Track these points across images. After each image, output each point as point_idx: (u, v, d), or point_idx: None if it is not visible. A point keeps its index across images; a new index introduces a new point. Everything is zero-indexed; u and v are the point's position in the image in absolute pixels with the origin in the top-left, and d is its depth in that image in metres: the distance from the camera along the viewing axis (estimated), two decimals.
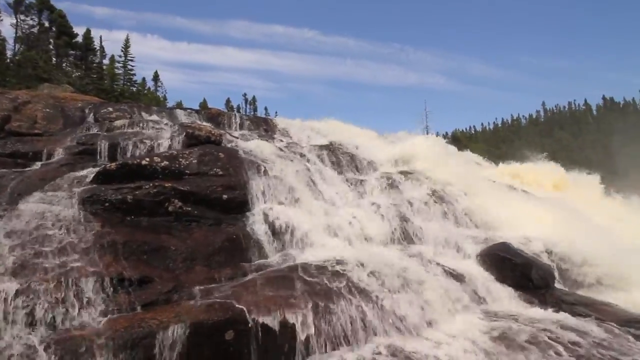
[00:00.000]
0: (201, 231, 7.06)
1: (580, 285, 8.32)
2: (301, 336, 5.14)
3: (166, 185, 7.36)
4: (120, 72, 37.91)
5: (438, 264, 7.27)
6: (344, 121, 16.04)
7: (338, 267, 6.29)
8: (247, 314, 5.11)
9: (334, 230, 7.72)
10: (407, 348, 5.24)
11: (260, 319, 5.09)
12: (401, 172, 10.96)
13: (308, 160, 10.08)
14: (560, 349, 5.37)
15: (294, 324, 5.19)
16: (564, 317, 6.57)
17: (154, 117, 11.60)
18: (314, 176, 9.33)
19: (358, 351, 5.17)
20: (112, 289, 5.35)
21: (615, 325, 6.46)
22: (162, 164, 7.74)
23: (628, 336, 6.11)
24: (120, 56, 38.66)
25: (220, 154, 8.56)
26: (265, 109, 64.64)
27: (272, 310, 5.22)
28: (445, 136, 55.83)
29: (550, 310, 6.91)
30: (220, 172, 8.04)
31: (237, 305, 5.20)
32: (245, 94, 63.78)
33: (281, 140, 12.03)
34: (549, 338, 5.58)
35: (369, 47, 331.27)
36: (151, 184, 7.30)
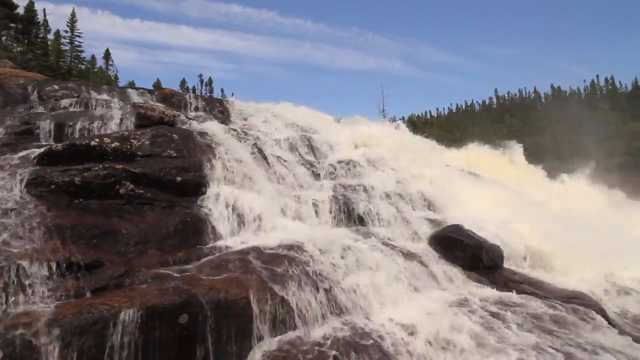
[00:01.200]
0: (154, 214, 6.89)
1: (527, 265, 8.73)
2: (257, 318, 5.15)
3: (117, 167, 7.11)
4: (67, 48, 36.03)
5: (392, 245, 7.42)
6: (302, 104, 16.01)
7: (294, 249, 6.30)
8: (201, 297, 5.05)
9: (290, 212, 7.73)
10: (362, 327, 5.35)
11: (215, 302, 5.04)
12: (357, 156, 11.06)
13: (264, 143, 9.98)
14: (507, 322, 5.64)
15: (249, 307, 5.17)
16: (511, 295, 6.89)
17: (104, 97, 11.10)
18: (270, 159, 9.26)
19: (314, 331, 5.23)
20: (59, 274, 5.14)
21: (556, 301, 6.85)
22: (113, 145, 7.45)
23: (567, 311, 6.49)
24: (66, 31, 36.72)
25: (174, 135, 8.33)
26: (222, 90, 63.30)
27: (227, 293, 5.18)
28: (401, 120, 56.69)
29: (499, 289, 7.22)
30: (174, 154, 7.84)
31: (191, 289, 5.13)
32: (200, 75, 62.37)
33: (237, 123, 11.84)
34: (497, 314, 5.84)
35: (327, 30, 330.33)
36: (101, 166, 7.02)
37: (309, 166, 9.90)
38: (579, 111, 58.14)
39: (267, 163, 9.20)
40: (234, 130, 10.11)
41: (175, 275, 5.53)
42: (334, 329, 5.30)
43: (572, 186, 20.07)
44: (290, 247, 6.35)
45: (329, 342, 5.01)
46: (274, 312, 5.26)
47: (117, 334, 4.56)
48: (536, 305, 6.44)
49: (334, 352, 4.81)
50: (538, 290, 7.35)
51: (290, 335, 5.17)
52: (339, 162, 10.50)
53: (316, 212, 8.08)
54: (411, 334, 5.25)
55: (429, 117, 71.85)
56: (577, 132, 49.50)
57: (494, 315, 5.86)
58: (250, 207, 7.26)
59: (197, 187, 7.61)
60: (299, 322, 5.33)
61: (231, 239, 6.81)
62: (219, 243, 6.70)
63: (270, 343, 5.09)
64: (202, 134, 9.01)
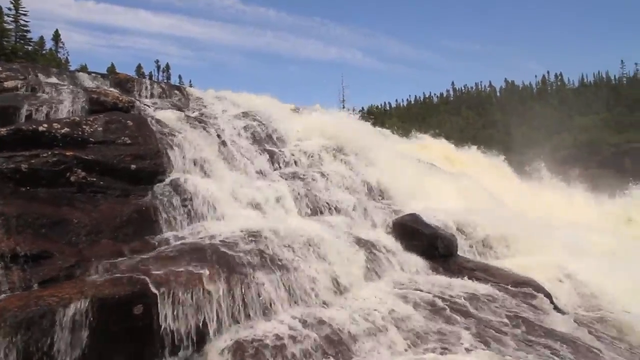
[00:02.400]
0: (107, 203, 6.67)
1: (480, 252, 9.04)
2: (214, 308, 5.09)
3: (67, 153, 6.81)
4: (11, 27, 34.00)
5: (351, 234, 7.50)
6: (262, 93, 15.90)
7: (252, 239, 6.25)
8: (156, 288, 4.94)
9: (248, 201, 7.65)
10: (321, 315, 5.40)
11: (171, 292, 4.95)
12: (316, 145, 11.07)
13: (223, 131, 9.82)
14: (457, 307, 5.84)
15: (206, 296, 5.11)
16: (464, 281, 7.12)
17: (54, 80, 10.59)
18: (229, 147, 9.13)
19: (273, 321, 5.23)
20: (3, 266, 4.90)
21: (506, 286, 7.15)
22: (63, 131, 7.13)
23: (516, 297, 6.79)
24: (10, 9, 34.65)
25: (129, 121, 8.06)
26: (180, 77, 61.45)
27: (183, 283, 5.09)
28: (361, 111, 57.14)
29: (452, 276, 7.45)
30: (129, 141, 7.59)
31: (146, 279, 5.00)
32: (157, 61, 60.10)
33: (195, 110, 11.59)
34: (448, 299, 6.04)
35: (289, 19, 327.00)
36: (50, 152, 6.71)
37: (268, 155, 9.82)
38: (531, 105, 60.40)
39: (226, 151, 9.06)
40: (193, 117, 9.90)
41: (130, 265, 5.38)
42: (292, 317, 5.31)
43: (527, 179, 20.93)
44: (249, 236, 6.30)
45: (286, 331, 5.03)
46: (232, 302, 5.22)
47: (67, 327, 4.40)
48: (487, 290, 6.69)
49: (291, 340, 4.83)
50: (489, 277, 7.62)
51: (249, 325, 5.15)
52: (298, 151, 10.48)
53: (275, 200, 8.04)
54: (366, 319, 5.34)
55: (388, 108, 72.68)
56: (529, 126, 51.43)
57: (444, 300, 6.04)
58: (208, 196, 7.14)
59: (153, 175, 7.41)
60: (258, 312, 5.32)
61: (188, 228, 6.68)
62: (176, 232, 6.56)
63: (228, 333, 5.05)
64: (159, 121, 8.77)
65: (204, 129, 9.33)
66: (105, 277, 5.07)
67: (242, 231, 6.44)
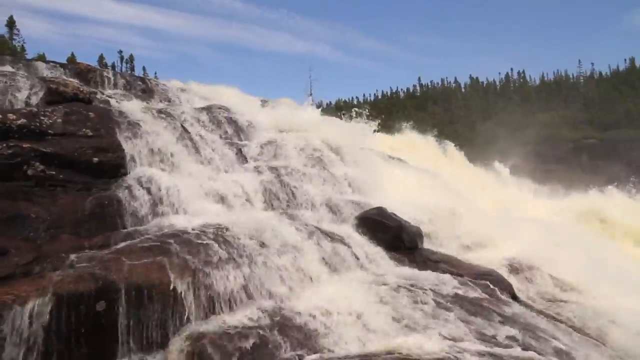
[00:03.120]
0: (68, 197, 6.47)
1: (446, 245, 9.25)
2: (178, 303, 5.04)
3: (24, 146, 6.57)
4: None
5: (317, 227, 7.53)
6: (229, 86, 15.71)
7: (217, 233, 6.19)
8: (120, 283, 4.85)
9: (214, 195, 7.57)
10: (286, 308, 5.41)
11: (135, 288, 4.87)
12: (284, 138, 11.05)
13: (189, 124, 9.65)
14: (423, 296, 5.98)
15: (170, 292, 5.05)
16: (428, 273, 7.25)
17: (8, 69, 10.15)
18: (195, 140, 8.98)
19: (238, 315, 5.21)
20: None
21: (469, 278, 7.34)
22: (19, 122, 6.86)
23: (479, 287, 6.98)
24: None
25: (90, 113, 7.83)
26: (144, 69, 59.75)
27: (147, 278, 5.01)
28: (328, 105, 57.26)
29: (417, 267, 7.58)
30: (91, 133, 7.38)
31: (109, 274, 4.90)
32: (121, 51, 58.00)
33: (160, 102, 11.35)
34: (413, 291, 6.16)
35: (257, 11, 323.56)
36: (5, 144, 6.46)
37: (235, 148, 9.72)
38: (495, 101, 61.92)
39: (192, 144, 8.91)
40: (158, 110, 9.68)
41: (92, 260, 5.25)
42: (257, 310, 5.30)
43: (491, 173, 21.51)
44: (215, 231, 6.23)
45: (252, 324, 5.02)
46: (197, 296, 5.17)
47: (25, 326, 4.27)
48: (450, 281, 6.84)
49: (256, 333, 4.83)
50: (453, 268, 7.80)
51: (214, 318, 5.11)
52: (265, 144, 10.41)
53: (242, 194, 7.98)
54: (329, 312, 5.38)
55: (355, 102, 73.00)
56: (493, 121, 52.73)
57: (409, 291, 6.15)
58: (173, 190, 7.02)
59: (116, 168, 7.24)
60: (223, 305, 5.28)
61: (153, 222, 6.56)
62: (140, 227, 6.43)
63: (193, 327, 5.00)
64: (123, 113, 8.54)
65: (169, 121, 9.14)
66: (66, 273, 4.93)
67: (207, 225, 6.36)
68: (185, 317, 5.04)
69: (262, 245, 6.20)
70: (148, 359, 4.84)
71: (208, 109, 11.17)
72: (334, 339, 4.96)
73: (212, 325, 5.00)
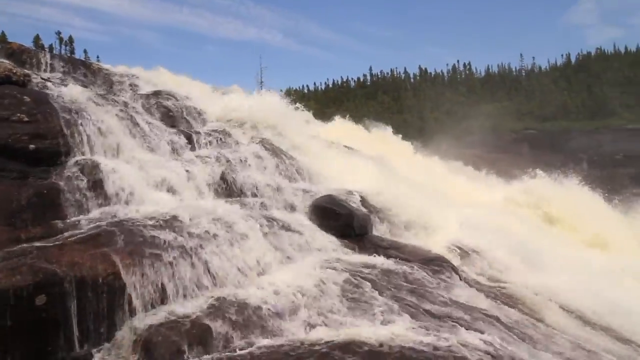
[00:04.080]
0: (2, 186, 6.08)
1: (396, 231, 9.48)
2: (125, 295, 4.89)
3: None
4: None
5: (268, 215, 7.51)
6: (178, 72, 15.29)
7: (166, 222, 6.04)
8: (62, 275, 4.64)
9: (161, 183, 7.35)
10: (237, 296, 5.38)
11: (77, 280, 4.68)
12: (234, 126, 10.90)
13: (134, 110, 9.30)
14: (372, 282, 6.12)
15: (116, 283, 4.89)
16: (378, 259, 7.42)
17: None
18: (141, 126, 8.66)
19: (187, 305, 5.13)
20: None
21: (417, 263, 7.58)
22: None
23: (426, 272, 7.23)
24: None
25: (25, 97, 7.37)
26: (85, 52, 56.80)
27: (91, 270, 4.82)
28: (279, 93, 56.75)
29: (367, 254, 7.74)
30: (26, 119, 6.95)
31: (49, 266, 4.67)
32: (59, 33, 54.75)
33: (104, 87, 10.86)
34: (362, 276, 6.30)
35: None
36: None
37: (184, 136, 9.46)
38: (442, 92, 63.68)
39: (138, 131, 8.60)
40: (101, 95, 9.26)
41: (30, 253, 4.98)
42: (207, 299, 5.25)
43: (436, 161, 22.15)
44: (162, 219, 6.07)
45: (201, 313, 4.96)
46: (144, 287, 5.04)
47: None
48: (399, 267, 7.05)
49: (206, 323, 4.78)
50: (402, 254, 8.02)
51: (163, 309, 5.01)
52: (215, 132, 10.22)
53: (190, 183, 7.81)
54: (280, 299, 5.40)
55: (306, 91, 72.86)
56: (441, 111, 54.29)
57: (359, 277, 6.28)
58: (118, 178, 6.75)
59: (55, 155, 6.87)
60: (171, 296, 5.18)
61: (96, 212, 6.30)
62: (83, 217, 6.15)
63: (141, 320, 4.89)
64: (61, 97, 8.10)
65: (114, 107, 8.77)
66: (1, 266, 4.65)
67: (154, 214, 6.19)
68: (133, 308, 4.91)
69: (212, 234, 6.12)
70: (94, 353, 4.68)
71: (155, 96, 10.81)
72: (284, 325, 5.00)
73: (160, 315, 4.90)
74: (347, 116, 23.07)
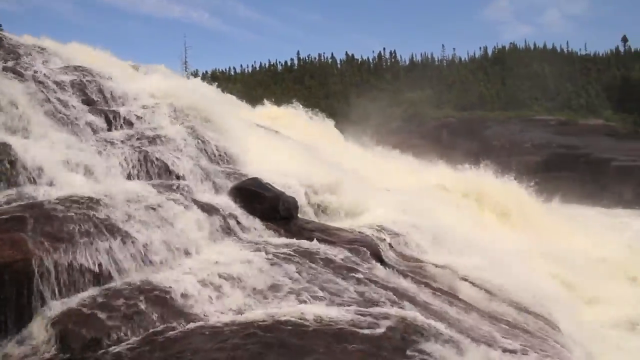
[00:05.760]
0: None
1: (322, 214, 9.68)
2: (37, 282, 4.64)
3: None
4: None
5: (192, 198, 7.38)
6: (96, 47, 14.41)
7: (82, 204, 5.76)
8: None
9: (78, 165, 6.97)
10: (159, 280, 5.28)
11: None
12: (156, 107, 10.50)
13: (46, 86, 8.66)
14: (296, 264, 6.27)
15: (27, 269, 4.61)
16: (302, 242, 7.56)
17: None
18: (54, 104, 8.11)
19: (106, 290, 4.96)
20: None
21: (341, 245, 7.82)
22: None
23: (349, 253, 7.49)
24: None
25: None
26: None
27: None
28: (204, 75, 55.23)
29: (293, 237, 7.85)
30: None
31: None
32: None
33: (9, 60, 9.99)
34: (286, 258, 6.42)
35: None
36: None
37: (102, 115, 8.98)
38: (368, 78, 64.99)
39: (51, 109, 8.03)
40: (7, 68, 8.52)
41: None
42: (127, 284, 5.11)
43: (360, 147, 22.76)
44: (79, 202, 5.78)
45: (122, 299, 4.82)
46: (60, 272, 4.80)
47: None
48: (324, 249, 7.23)
49: (126, 308, 4.67)
50: (327, 237, 8.21)
51: (79, 295, 4.82)
52: (136, 111, 9.79)
53: (109, 164, 7.46)
54: (204, 282, 5.40)
55: (233, 73, 71.26)
56: (366, 98, 55.49)
57: (284, 259, 6.39)
58: (30, 158, 6.32)
59: None
60: (89, 282, 4.99)
61: (5, 193, 5.86)
62: None
63: (56, 307, 4.66)
64: None
65: (22, 82, 8.12)
66: None
67: (71, 197, 5.88)
68: (47, 295, 4.67)
69: (132, 217, 5.92)
70: (5, 344, 4.40)
71: (70, 71, 10.13)
72: (208, 308, 5.00)
73: (76, 302, 4.70)
74: (273, 100, 23.04)
